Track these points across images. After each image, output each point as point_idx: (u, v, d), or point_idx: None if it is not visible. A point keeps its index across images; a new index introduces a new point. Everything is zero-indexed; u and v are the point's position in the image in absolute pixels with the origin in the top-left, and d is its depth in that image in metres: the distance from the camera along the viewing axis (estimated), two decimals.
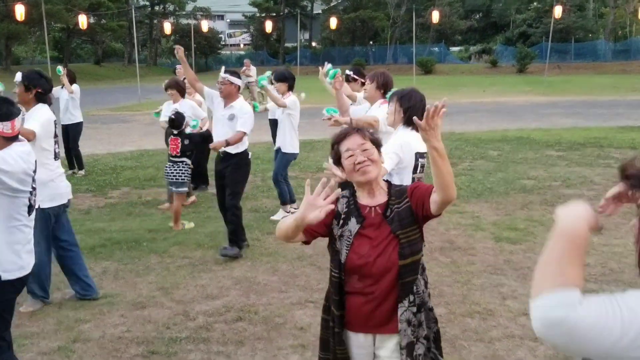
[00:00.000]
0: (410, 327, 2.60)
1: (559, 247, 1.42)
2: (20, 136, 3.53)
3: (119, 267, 6.16)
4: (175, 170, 7.33)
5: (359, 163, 2.63)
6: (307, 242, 2.75)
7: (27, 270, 3.51)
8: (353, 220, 2.65)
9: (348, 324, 2.70)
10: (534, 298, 1.37)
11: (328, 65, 7.17)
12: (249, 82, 20.71)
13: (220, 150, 6.43)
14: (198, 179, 9.33)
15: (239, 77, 6.68)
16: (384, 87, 5.24)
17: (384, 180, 2.80)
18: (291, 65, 48.91)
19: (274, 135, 11.71)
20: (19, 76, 5.36)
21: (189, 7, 58.57)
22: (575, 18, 49.02)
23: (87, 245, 6.59)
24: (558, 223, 1.46)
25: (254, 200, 8.87)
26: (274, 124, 11.52)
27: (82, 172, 10.99)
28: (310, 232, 2.65)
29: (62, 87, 10.70)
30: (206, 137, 7.36)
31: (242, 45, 70.51)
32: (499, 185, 9.42)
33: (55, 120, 5.07)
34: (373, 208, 2.67)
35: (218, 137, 6.45)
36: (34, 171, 3.48)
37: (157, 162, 12.08)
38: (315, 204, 2.39)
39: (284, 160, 8.09)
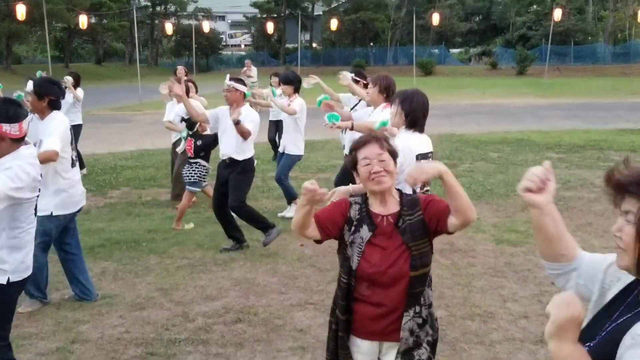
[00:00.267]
0: (413, 336, 2.62)
1: None
2: (26, 138, 3.51)
3: (118, 268, 6.14)
4: (189, 170, 7.45)
5: (374, 172, 2.66)
6: (319, 241, 2.78)
7: (31, 269, 3.52)
8: (365, 228, 2.67)
9: (353, 330, 2.71)
10: None
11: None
12: (251, 83, 20.71)
13: (226, 156, 6.42)
14: None
15: (244, 84, 6.68)
16: (386, 90, 5.23)
17: (396, 189, 2.80)
18: (292, 65, 48.92)
19: (272, 137, 11.72)
20: (30, 85, 5.36)
21: (190, 7, 58.60)
22: (575, 21, 49.03)
23: (86, 245, 6.55)
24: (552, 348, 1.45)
25: (254, 201, 8.84)
26: (274, 124, 11.53)
27: (84, 170, 10.98)
28: (323, 229, 2.69)
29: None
30: (217, 138, 7.40)
31: (243, 46, 70.55)
32: (499, 187, 9.41)
33: (71, 127, 5.04)
34: (385, 217, 2.69)
35: (226, 146, 6.44)
36: (41, 174, 3.49)
37: (157, 161, 12.07)
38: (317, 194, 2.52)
39: (288, 161, 8.11)
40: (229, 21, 78.47)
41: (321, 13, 62.04)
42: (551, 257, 1.85)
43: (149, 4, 59.10)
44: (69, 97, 10.72)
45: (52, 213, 4.91)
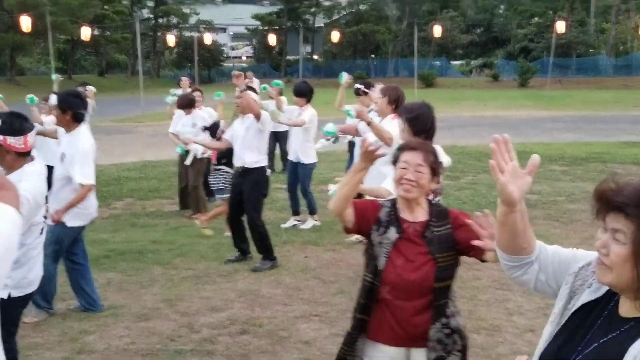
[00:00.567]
0: (441, 345, 2.65)
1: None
2: (32, 154, 3.51)
3: (123, 279, 6.15)
4: (215, 178, 7.54)
5: (406, 179, 2.70)
6: (348, 231, 2.83)
7: (36, 285, 3.52)
8: (392, 230, 2.71)
9: (374, 334, 2.74)
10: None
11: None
12: None
13: (239, 165, 6.45)
14: (205, 189, 9.34)
15: (256, 92, 6.73)
16: (395, 102, 5.26)
17: (426, 199, 2.83)
18: (293, 77, 49.07)
19: (272, 148, 11.72)
20: (53, 100, 5.40)
21: (192, 19, 58.87)
22: (577, 33, 49.14)
23: (91, 256, 6.50)
24: None
25: None
26: (273, 135, 11.54)
27: None
28: (359, 217, 2.74)
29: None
30: None
31: (244, 58, 70.78)
32: None
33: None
34: (412, 224, 2.73)
35: (239, 153, 6.45)
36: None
37: (160, 173, 12.10)
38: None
39: (306, 171, 8.15)
40: (231, 33, 78.77)
41: (322, 25, 62.34)
42: (511, 250, 1.80)
43: (151, 16, 59.39)
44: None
45: (66, 223, 4.93)
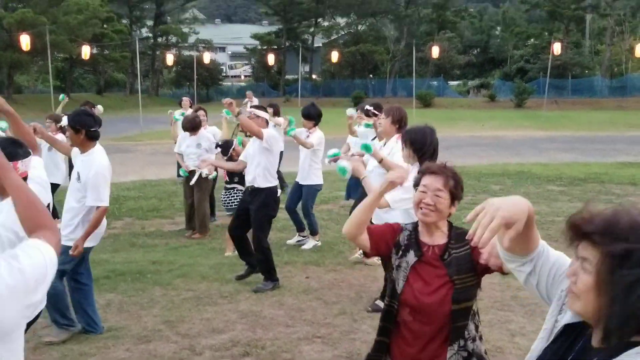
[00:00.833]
0: None
1: None
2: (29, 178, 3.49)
3: (123, 300, 6.12)
4: (227, 196, 7.58)
5: (425, 203, 2.72)
6: (367, 255, 2.89)
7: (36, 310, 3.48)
8: (411, 253, 2.74)
9: (394, 357, 2.77)
10: None
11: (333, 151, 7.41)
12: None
13: (249, 184, 6.45)
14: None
15: (266, 111, 6.75)
16: (399, 122, 5.29)
17: (448, 221, 2.84)
18: (291, 97, 49.26)
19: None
20: (65, 121, 5.40)
21: (191, 38, 59.21)
22: (572, 55, 49.56)
23: None
24: None
25: None
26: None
27: None
28: (375, 242, 2.78)
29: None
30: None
31: (243, 77, 71.13)
32: None
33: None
34: (431, 247, 2.75)
35: (249, 174, 6.46)
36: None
37: (159, 192, 12.10)
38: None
39: (311, 191, 8.17)
40: (229, 52, 79.21)
41: (321, 45, 62.75)
42: (507, 248, 1.78)
43: (150, 35, 59.73)
44: None
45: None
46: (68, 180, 5.68)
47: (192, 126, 8.52)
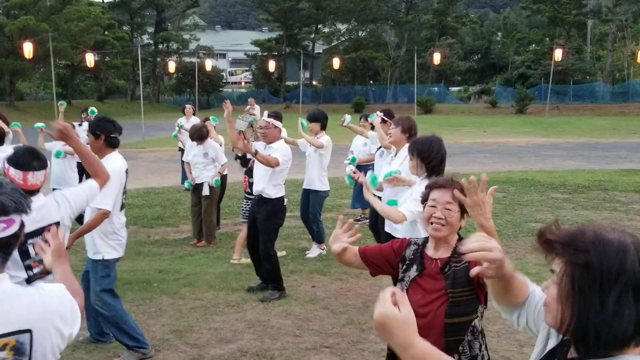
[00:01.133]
0: None
1: None
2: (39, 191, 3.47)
3: (130, 309, 6.10)
4: (247, 206, 7.52)
5: (435, 217, 2.73)
6: (372, 274, 2.96)
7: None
8: (414, 268, 2.77)
9: None
10: None
11: (348, 118, 7.56)
12: (252, 121, 20.82)
13: (257, 193, 6.45)
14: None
15: (281, 120, 6.75)
16: (409, 131, 5.29)
17: (458, 235, 2.85)
18: (292, 103, 49.35)
19: None
20: (85, 126, 5.38)
21: (192, 45, 59.37)
22: (574, 60, 49.66)
23: None
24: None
25: None
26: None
27: None
28: (370, 265, 2.83)
29: (80, 124, 10.75)
30: None
31: (243, 83, 71.25)
32: (507, 228, 9.41)
33: (127, 169, 4.93)
34: (434, 261, 2.76)
35: (257, 183, 6.47)
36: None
37: (163, 200, 12.10)
38: (338, 238, 2.61)
39: (318, 198, 8.16)
40: (230, 59, 79.36)
41: (321, 51, 62.87)
42: (505, 303, 1.89)
43: (151, 42, 59.88)
44: (83, 132, 10.82)
45: (104, 257, 4.82)
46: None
47: (199, 136, 8.53)
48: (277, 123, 6.53)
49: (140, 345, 4.92)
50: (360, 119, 9.50)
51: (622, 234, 1.48)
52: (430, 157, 4.17)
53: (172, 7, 59.63)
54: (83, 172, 11.37)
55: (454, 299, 2.63)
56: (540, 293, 1.86)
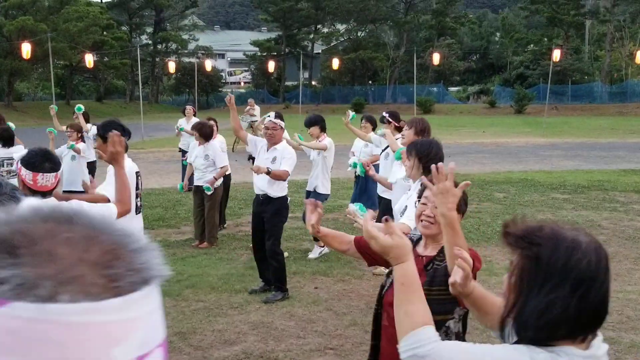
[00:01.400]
0: None
1: (398, 295, 1.77)
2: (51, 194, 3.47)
3: None
4: None
5: (425, 215, 2.75)
6: (368, 264, 3.03)
7: None
8: None
9: (382, 357, 2.86)
10: (399, 343, 1.70)
11: (352, 113, 7.54)
12: (252, 122, 20.83)
13: (261, 192, 6.47)
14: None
15: (283, 120, 6.79)
16: (422, 132, 5.29)
17: None
18: (291, 103, 49.36)
19: None
20: (94, 130, 5.37)
21: (191, 45, 59.37)
22: (572, 61, 49.74)
23: None
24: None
25: None
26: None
27: None
28: (366, 256, 2.87)
29: (86, 132, 10.73)
30: None
31: (242, 84, 71.22)
32: None
33: (137, 172, 4.91)
34: (421, 258, 2.78)
35: (260, 181, 6.50)
36: None
37: (164, 201, 12.10)
38: (309, 219, 2.87)
39: (320, 200, 8.14)
40: (228, 59, 79.33)
41: (320, 52, 62.89)
42: (486, 324, 2.00)
43: (150, 42, 59.88)
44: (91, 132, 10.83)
45: None
46: None
47: (201, 133, 8.51)
48: (283, 124, 6.56)
49: None
50: (362, 120, 9.50)
51: (579, 233, 1.55)
52: (428, 158, 4.17)
53: (171, 7, 59.63)
54: (91, 174, 11.38)
55: (429, 297, 2.64)
56: None
